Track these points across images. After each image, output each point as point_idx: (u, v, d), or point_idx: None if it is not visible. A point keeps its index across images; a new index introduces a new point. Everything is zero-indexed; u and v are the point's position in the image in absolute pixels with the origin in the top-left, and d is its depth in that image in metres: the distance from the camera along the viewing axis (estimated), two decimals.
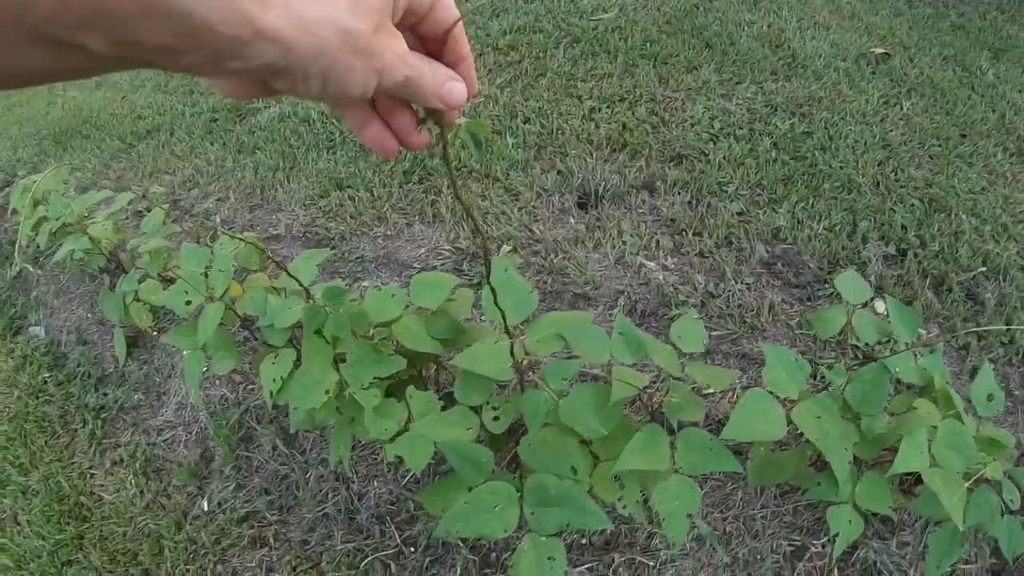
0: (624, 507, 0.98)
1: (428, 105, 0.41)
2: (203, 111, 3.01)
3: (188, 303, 1.25)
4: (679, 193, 2.02)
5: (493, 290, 0.86)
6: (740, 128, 2.27)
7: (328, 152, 2.44)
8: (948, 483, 0.96)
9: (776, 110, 2.36)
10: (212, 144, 2.71)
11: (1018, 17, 3.26)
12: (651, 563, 1.31)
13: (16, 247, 1.69)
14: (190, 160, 2.64)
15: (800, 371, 1.04)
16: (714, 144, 2.20)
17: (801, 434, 1.34)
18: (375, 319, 1.07)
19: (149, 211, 1.70)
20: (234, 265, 1.29)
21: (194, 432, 1.76)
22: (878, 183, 2.06)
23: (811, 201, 1.97)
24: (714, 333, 1.63)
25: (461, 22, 0.39)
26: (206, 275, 1.28)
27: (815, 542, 1.32)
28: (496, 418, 1.03)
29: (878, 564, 1.29)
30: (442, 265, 1.87)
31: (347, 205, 2.14)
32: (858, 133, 2.26)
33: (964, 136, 2.32)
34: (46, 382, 2.07)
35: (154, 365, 1.94)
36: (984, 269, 1.79)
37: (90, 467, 1.80)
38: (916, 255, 1.81)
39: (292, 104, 2.80)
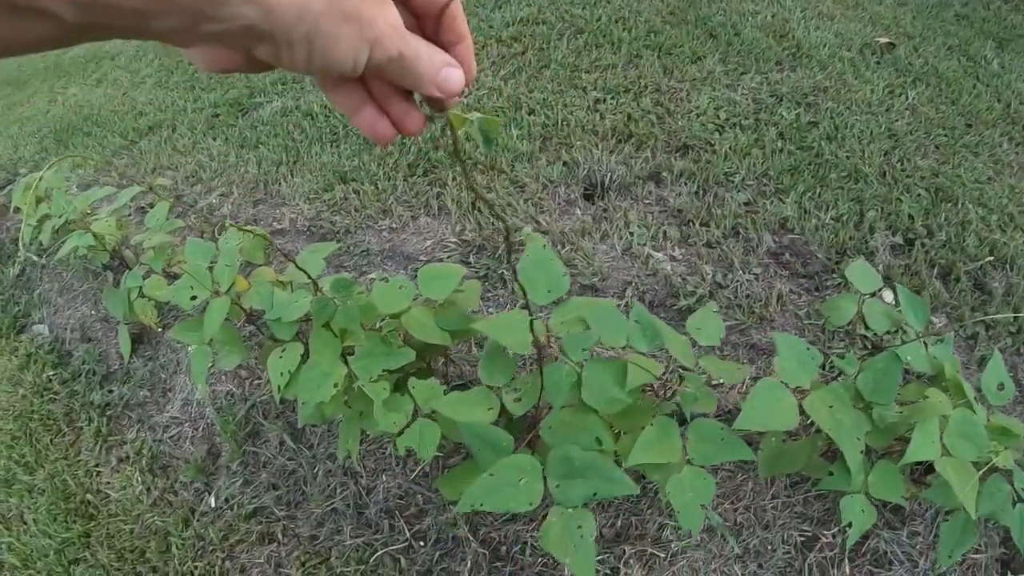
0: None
1: (423, 92, 0.38)
2: (205, 106, 3.00)
3: (194, 298, 1.24)
4: (685, 184, 2.00)
5: (515, 271, 0.85)
6: (746, 118, 2.25)
7: (332, 146, 2.43)
8: (960, 472, 0.96)
9: (781, 100, 2.35)
10: (214, 139, 2.70)
11: (1022, 7, 3.24)
12: (662, 555, 1.30)
13: (20, 242, 1.68)
14: (192, 156, 2.63)
15: (811, 361, 1.04)
16: (720, 134, 2.19)
17: (811, 424, 1.34)
18: (384, 311, 1.07)
19: (152, 207, 1.69)
20: (239, 259, 1.28)
21: (200, 428, 1.75)
22: (884, 173, 2.04)
23: (818, 191, 1.96)
24: (723, 323, 1.62)
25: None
26: (211, 270, 1.27)
27: (825, 532, 1.32)
28: (518, 399, 1.02)
29: (888, 554, 1.29)
30: (448, 257, 1.86)
31: (351, 199, 2.13)
32: (864, 123, 2.24)
33: (970, 126, 2.31)
34: (50, 380, 2.06)
35: (159, 361, 1.94)
36: (991, 259, 1.78)
37: (96, 465, 1.79)
38: (923, 245, 1.80)
39: (294, 98, 2.79)
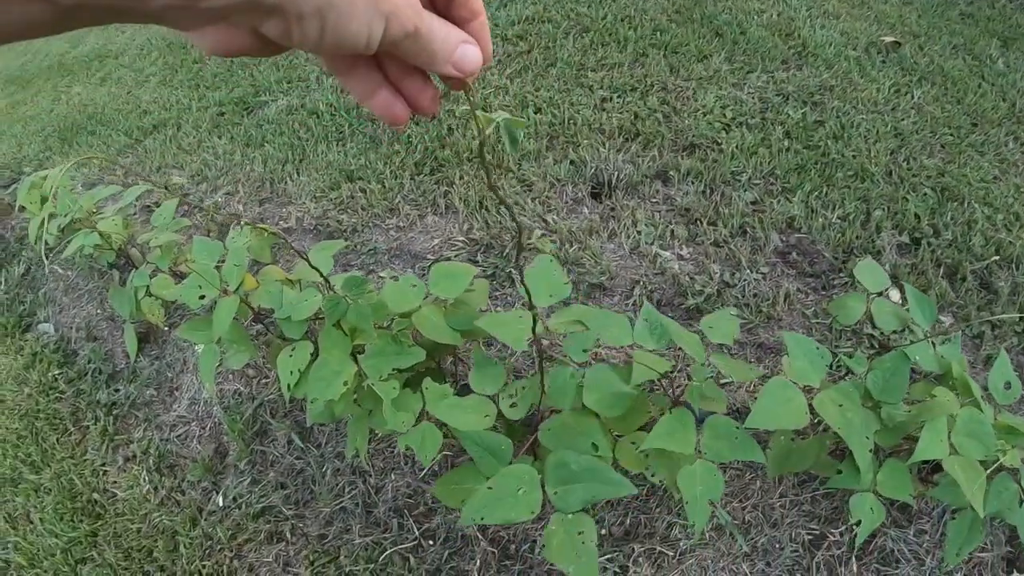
0: (653, 475, 0.98)
1: (438, 71, 0.37)
2: (210, 105, 3.00)
3: (202, 297, 1.24)
4: (693, 182, 2.01)
5: (522, 272, 0.86)
6: (752, 117, 2.25)
7: (338, 144, 2.43)
8: (968, 471, 0.96)
9: (788, 99, 2.35)
10: (220, 138, 2.70)
11: None
12: (671, 553, 1.30)
13: (33, 237, 1.68)
14: (198, 154, 2.63)
15: (821, 360, 1.04)
16: (727, 133, 2.19)
17: (819, 423, 1.34)
18: (395, 309, 1.07)
19: (158, 206, 1.69)
20: (247, 258, 1.28)
21: (208, 427, 1.76)
22: (891, 172, 2.04)
23: (824, 190, 1.96)
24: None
25: None
26: (219, 269, 1.27)
27: (833, 531, 1.32)
28: (513, 404, 1.03)
29: (896, 552, 1.29)
30: (456, 256, 1.87)
31: (358, 197, 2.13)
32: (870, 122, 2.24)
33: (975, 125, 2.31)
34: (56, 379, 2.06)
35: (166, 360, 1.94)
36: (997, 258, 1.78)
37: (103, 464, 1.80)
38: (930, 244, 1.80)
39: (300, 96, 2.79)
